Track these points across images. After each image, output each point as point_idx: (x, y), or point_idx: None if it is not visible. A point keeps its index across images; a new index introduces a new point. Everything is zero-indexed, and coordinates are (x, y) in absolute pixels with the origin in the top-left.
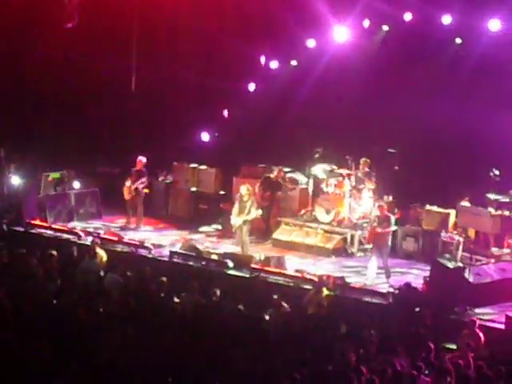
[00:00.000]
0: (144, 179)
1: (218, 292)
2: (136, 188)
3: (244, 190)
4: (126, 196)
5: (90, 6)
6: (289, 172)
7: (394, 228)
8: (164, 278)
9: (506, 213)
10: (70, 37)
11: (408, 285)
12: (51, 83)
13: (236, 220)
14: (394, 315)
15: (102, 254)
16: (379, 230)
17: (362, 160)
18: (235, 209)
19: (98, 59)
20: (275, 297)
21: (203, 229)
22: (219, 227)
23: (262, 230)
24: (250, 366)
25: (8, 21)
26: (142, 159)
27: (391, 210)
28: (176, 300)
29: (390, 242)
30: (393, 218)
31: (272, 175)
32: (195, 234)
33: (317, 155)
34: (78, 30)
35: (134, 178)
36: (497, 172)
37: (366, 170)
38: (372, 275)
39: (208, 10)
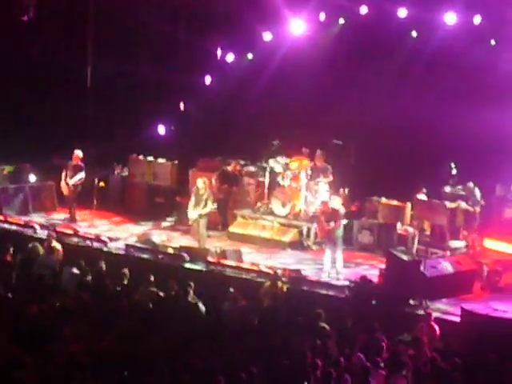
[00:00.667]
0: (81, 174)
1: (175, 286)
2: (73, 184)
3: (200, 183)
4: (65, 191)
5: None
6: (245, 165)
7: (343, 222)
8: (126, 270)
9: (462, 206)
10: (25, 30)
11: (364, 277)
12: (8, 76)
13: (192, 213)
14: (350, 308)
15: (58, 248)
16: (327, 226)
17: (318, 152)
18: (191, 202)
19: (53, 53)
20: (231, 290)
21: (159, 222)
22: (175, 220)
23: (218, 223)
24: (207, 358)
25: None
26: (79, 153)
27: (346, 204)
28: (133, 294)
29: (341, 235)
30: (341, 211)
31: (229, 168)
32: (151, 227)
33: (273, 148)
34: (34, 23)
35: (71, 172)
36: (453, 165)
37: (323, 163)
38: (327, 267)
39: (164, 2)
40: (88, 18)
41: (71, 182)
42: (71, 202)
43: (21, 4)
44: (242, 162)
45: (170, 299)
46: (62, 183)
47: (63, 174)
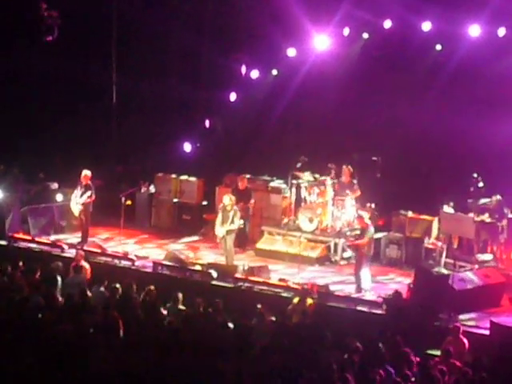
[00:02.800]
0: (90, 193)
1: (203, 303)
2: (83, 203)
3: (227, 199)
4: (75, 212)
5: (69, 19)
6: (271, 181)
7: (367, 239)
8: (152, 287)
9: (489, 218)
10: (49, 50)
11: (397, 292)
12: (32, 96)
13: (220, 230)
14: (381, 323)
15: (86, 267)
16: (356, 242)
17: (344, 168)
18: (218, 219)
19: (78, 72)
20: (259, 306)
21: (186, 239)
22: (202, 237)
23: (241, 239)
24: (236, 375)
25: None
26: (87, 173)
27: (373, 218)
28: (162, 311)
29: (367, 253)
30: (370, 229)
31: (239, 185)
32: (179, 244)
33: (299, 164)
34: (58, 43)
35: (80, 192)
36: (475, 175)
37: (349, 178)
38: (368, 282)
39: (188, 19)
40: (112, 36)
41: (80, 201)
42: (83, 222)
43: (45, 24)
44: (265, 178)
45: (197, 316)
46: (72, 203)
47: (73, 195)
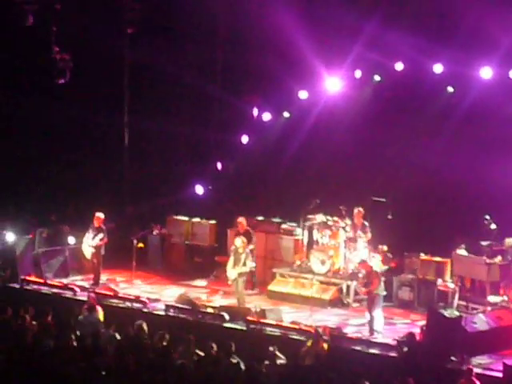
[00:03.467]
0: (102, 235)
1: (215, 345)
2: (95, 246)
3: (239, 242)
4: (87, 254)
5: (81, 62)
6: (283, 223)
7: (377, 281)
8: (165, 333)
9: (501, 261)
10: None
11: (411, 334)
12: (45, 138)
13: (231, 272)
14: (396, 365)
15: (98, 309)
16: (368, 288)
17: (356, 210)
18: (230, 261)
19: (90, 113)
20: (271, 349)
21: (198, 282)
22: (213, 279)
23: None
24: None
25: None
26: (100, 215)
27: (386, 260)
28: (173, 355)
29: (380, 293)
30: (375, 269)
31: (239, 228)
32: (190, 287)
33: (312, 206)
34: (70, 86)
35: (93, 235)
36: (487, 217)
37: (361, 220)
38: (380, 324)
39: (200, 62)
40: (124, 77)
41: (93, 243)
42: (94, 265)
43: (57, 67)
44: (277, 220)
45: (210, 359)
46: (84, 246)
47: (85, 238)
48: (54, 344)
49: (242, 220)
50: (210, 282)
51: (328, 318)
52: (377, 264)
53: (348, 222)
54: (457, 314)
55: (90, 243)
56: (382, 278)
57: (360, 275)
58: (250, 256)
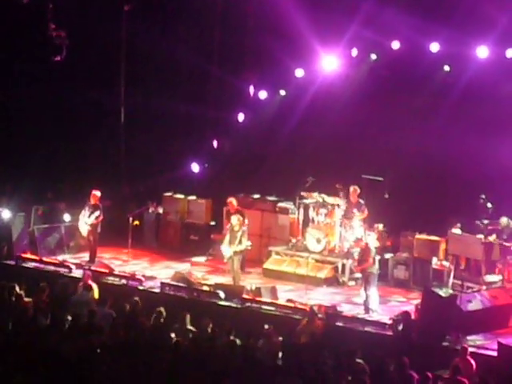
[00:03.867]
0: (98, 213)
1: (211, 323)
2: (91, 223)
3: (235, 220)
4: (83, 232)
5: (77, 39)
6: (279, 201)
7: (371, 259)
8: (161, 309)
9: (497, 239)
10: (58, 69)
11: (406, 313)
12: (41, 116)
13: (227, 250)
14: (390, 344)
15: (93, 287)
16: (361, 265)
17: (352, 188)
18: (226, 239)
19: (86, 92)
20: (267, 327)
21: (194, 259)
22: (209, 257)
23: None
24: None
25: None
26: (97, 193)
27: (381, 239)
28: (169, 332)
29: (375, 272)
30: (371, 248)
31: (230, 208)
32: (186, 264)
33: (308, 184)
34: (66, 63)
35: (89, 212)
36: (483, 196)
37: (356, 198)
38: (375, 302)
39: (196, 39)
40: (120, 55)
41: (89, 221)
42: (90, 242)
43: (53, 44)
44: (273, 198)
45: (205, 336)
46: (80, 223)
47: (81, 215)
48: (49, 322)
49: (232, 200)
50: (206, 259)
51: (323, 297)
52: (372, 242)
53: (344, 200)
54: (452, 292)
55: (86, 221)
56: (377, 257)
57: (355, 253)
58: (245, 234)
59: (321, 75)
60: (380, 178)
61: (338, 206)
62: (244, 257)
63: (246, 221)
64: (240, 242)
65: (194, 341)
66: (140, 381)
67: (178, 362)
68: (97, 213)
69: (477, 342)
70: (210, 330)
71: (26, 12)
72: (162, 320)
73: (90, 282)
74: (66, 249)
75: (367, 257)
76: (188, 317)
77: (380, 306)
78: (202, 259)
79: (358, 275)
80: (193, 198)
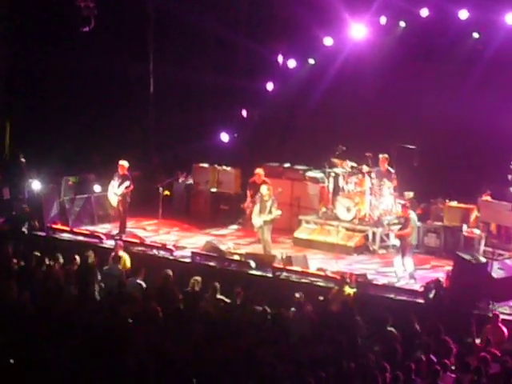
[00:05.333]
0: (128, 183)
1: (241, 292)
2: (121, 193)
3: (265, 189)
4: (113, 202)
5: (105, 10)
6: (308, 170)
7: (410, 228)
8: (198, 278)
9: None
10: (86, 40)
11: (438, 281)
12: (70, 88)
13: (257, 220)
14: (421, 311)
15: (125, 258)
16: (401, 232)
17: (381, 156)
18: (256, 208)
19: (115, 62)
20: (298, 295)
21: (225, 229)
22: (240, 227)
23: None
24: (274, 365)
25: (25, 26)
26: (125, 163)
27: (412, 207)
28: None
29: (413, 242)
30: (412, 216)
31: (256, 179)
32: (217, 234)
33: (337, 153)
34: (94, 34)
35: (118, 183)
36: None
37: (386, 166)
38: (399, 272)
39: (223, 9)
40: (148, 26)
41: (118, 191)
42: (120, 212)
43: (81, 15)
44: (303, 167)
45: (236, 306)
46: (110, 194)
47: (110, 186)
48: (78, 293)
49: (259, 171)
50: (237, 228)
51: (354, 265)
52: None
53: (373, 168)
54: (483, 259)
55: (115, 191)
56: (416, 227)
57: (386, 222)
58: (275, 203)
59: (349, 43)
60: (411, 146)
61: (368, 174)
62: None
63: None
64: (270, 211)
65: (224, 310)
66: (171, 352)
67: (209, 331)
68: (126, 183)
69: (508, 309)
70: (240, 299)
71: None
72: (197, 289)
73: (121, 252)
74: (96, 219)
75: (407, 225)
76: (218, 286)
77: (414, 274)
78: (233, 228)
79: (389, 243)
80: (222, 167)
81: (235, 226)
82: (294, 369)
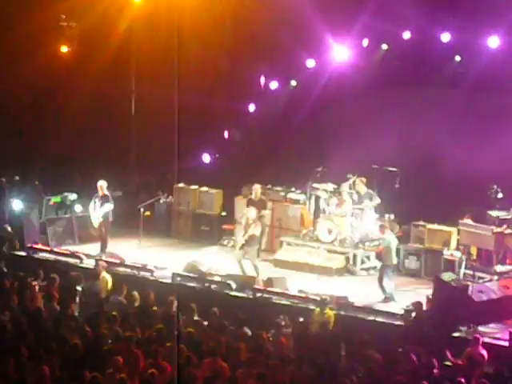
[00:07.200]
0: (110, 205)
1: (219, 313)
2: (103, 214)
3: (253, 213)
4: (95, 223)
5: (88, 30)
6: (289, 191)
7: (381, 247)
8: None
9: (509, 230)
10: (68, 61)
11: (419, 304)
12: (51, 107)
13: (240, 240)
14: (401, 334)
15: (107, 279)
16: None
17: (358, 180)
18: (240, 231)
19: (97, 83)
20: (280, 317)
21: (205, 250)
22: (221, 248)
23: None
24: None
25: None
26: (103, 184)
27: (392, 229)
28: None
29: (390, 263)
30: (387, 237)
31: (253, 196)
32: (197, 255)
33: (318, 174)
34: (77, 54)
35: (99, 203)
36: (494, 187)
37: (364, 188)
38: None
39: (207, 31)
40: (131, 48)
41: (99, 214)
42: (102, 232)
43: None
44: (284, 189)
45: (216, 328)
46: (91, 214)
47: (90, 206)
48: (59, 312)
49: (257, 187)
50: (218, 249)
51: (335, 287)
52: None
53: (354, 190)
54: (463, 283)
55: (97, 213)
56: (392, 248)
57: (367, 244)
58: (258, 226)
59: (332, 65)
60: (393, 168)
61: (350, 195)
62: (259, 246)
63: (269, 205)
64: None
65: (204, 332)
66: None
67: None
68: (109, 206)
69: (488, 332)
70: (218, 320)
71: None
72: (174, 309)
73: (104, 273)
74: (77, 239)
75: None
76: (194, 307)
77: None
78: (212, 250)
79: (370, 265)
80: (204, 188)
81: (216, 247)
82: None
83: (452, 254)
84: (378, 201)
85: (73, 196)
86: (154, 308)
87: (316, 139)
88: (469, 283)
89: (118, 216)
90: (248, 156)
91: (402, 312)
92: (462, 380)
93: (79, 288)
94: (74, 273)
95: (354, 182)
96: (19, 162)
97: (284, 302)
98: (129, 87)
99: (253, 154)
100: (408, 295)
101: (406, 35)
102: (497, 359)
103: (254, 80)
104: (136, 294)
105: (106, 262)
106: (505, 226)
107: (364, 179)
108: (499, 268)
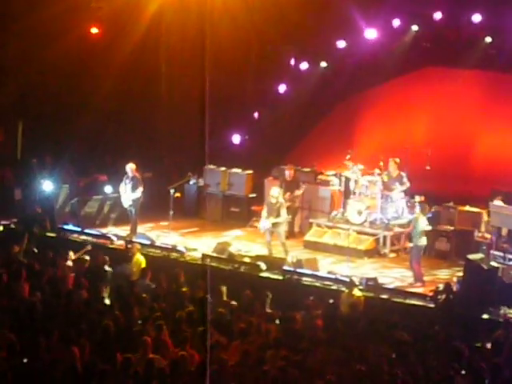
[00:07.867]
0: (141, 188)
1: (251, 295)
2: (134, 195)
3: (275, 192)
4: (125, 204)
5: (118, 11)
6: (320, 173)
7: (411, 227)
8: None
9: None
10: (97, 43)
11: (448, 285)
12: (82, 90)
13: (265, 223)
14: (431, 316)
15: (141, 260)
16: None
17: (391, 161)
18: (264, 211)
19: (127, 64)
20: (310, 298)
21: (235, 231)
22: (251, 229)
23: (288, 231)
24: (283, 367)
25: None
26: (132, 166)
27: (423, 210)
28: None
29: (419, 243)
30: (417, 218)
31: (286, 176)
32: (227, 236)
33: (348, 156)
34: (105, 36)
35: (130, 185)
36: None
37: (397, 170)
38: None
39: (238, 12)
40: (161, 30)
41: (132, 196)
42: (132, 214)
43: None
44: (314, 170)
45: (244, 309)
46: (122, 196)
47: (121, 187)
48: (89, 294)
49: (291, 167)
50: (248, 231)
51: (364, 269)
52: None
53: (385, 172)
54: (494, 264)
55: (128, 194)
56: (421, 229)
57: (397, 226)
58: (284, 206)
59: (362, 46)
60: (424, 150)
61: (380, 177)
62: (292, 227)
63: (300, 191)
64: (278, 214)
65: (232, 312)
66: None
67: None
68: (140, 188)
69: None
70: (248, 301)
71: None
72: (201, 291)
73: (137, 254)
74: (107, 220)
75: (410, 225)
76: (224, 289)
77: (423, 279)
78: (240, 232)
79: (400, 247)
80: (234, 170)
81: (245, 229)
82: (303, 372)
83: (482, 236)
84: (408, 184)
85: (103, 177)
86: (184, 289)
87: (346, 121)
88: (499, 265)
89: (147, 197)
90: (278, 137)
91: (431, 294)
92: (496, 361)
93: (109, 269)
94: (103, 254)
95: (387, 162)
96: (50, 144)
97: (314, 283)
98: (158, 69)
99: (283, 136)
100: (438, 277)
101: (437, 16)
102: None
103: (284, 61)
104: (165, 276)
105: (137, 243)
106: None
107: (398, 159)
108: None
